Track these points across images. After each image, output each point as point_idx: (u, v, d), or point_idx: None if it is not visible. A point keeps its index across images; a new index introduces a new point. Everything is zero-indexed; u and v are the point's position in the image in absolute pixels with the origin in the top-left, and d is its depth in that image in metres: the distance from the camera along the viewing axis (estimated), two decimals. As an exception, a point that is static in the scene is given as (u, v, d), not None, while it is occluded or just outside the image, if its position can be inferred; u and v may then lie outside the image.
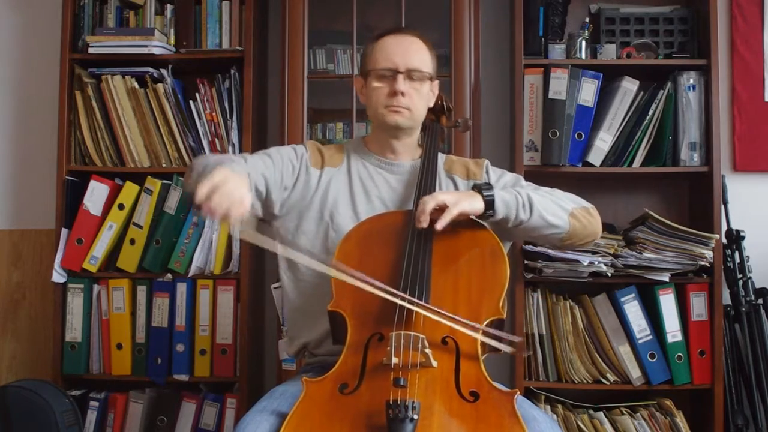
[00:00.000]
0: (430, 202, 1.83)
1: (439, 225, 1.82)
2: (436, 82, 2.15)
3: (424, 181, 2.02)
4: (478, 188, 1.91)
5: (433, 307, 1.74)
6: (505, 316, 1.80)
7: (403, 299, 1.72)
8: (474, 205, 1.87)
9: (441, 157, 2.18)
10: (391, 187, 2.12)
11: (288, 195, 2.09)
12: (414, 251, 1.84)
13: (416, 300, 1.73)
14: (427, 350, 1.65)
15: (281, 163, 2.08)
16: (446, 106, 2.27)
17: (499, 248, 1.89)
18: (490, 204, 1.89)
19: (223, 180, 1.68)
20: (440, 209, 1.83)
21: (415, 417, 1.54)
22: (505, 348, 1.78)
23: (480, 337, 1.74)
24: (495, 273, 1.85)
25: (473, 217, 1.90)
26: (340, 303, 1.82)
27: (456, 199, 1.84)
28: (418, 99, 2.08)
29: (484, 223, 1.94)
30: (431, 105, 2.17)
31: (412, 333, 1.68)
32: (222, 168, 1.72)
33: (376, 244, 1.92)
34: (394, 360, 1.64)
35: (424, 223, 1.83)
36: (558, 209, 1.99)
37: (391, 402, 1.55)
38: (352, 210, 2.08)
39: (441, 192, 1.90)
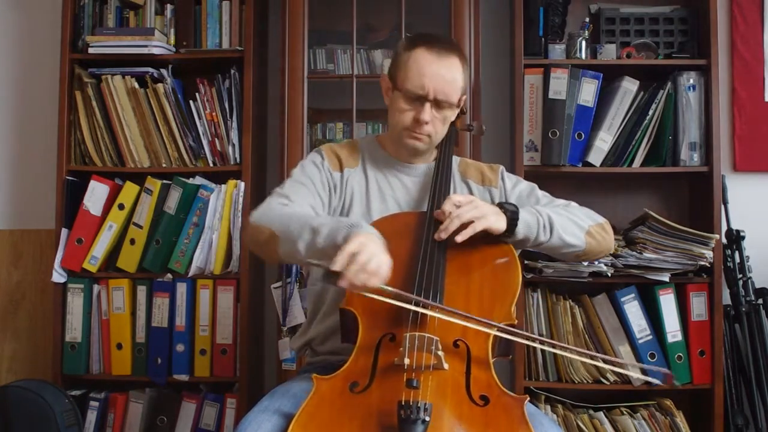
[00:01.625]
0: (455, 221, 1.82)
1: (460, 238, 1.82)
2: (465, 97, 2.11)
3: (439, 184, 2.01)
4: (504, 208, 1.89)
5: (450, 309, 1.73)
6: (516, 321, 1.80)
7: (422, 306, 1.71)
8: (499, 224, 1.86)
9: (455, 160, 2.18)
10: (405, 188, 2.11)
11: (330, 210, 2.08)
12: (428, 255, 1.83)
13: (431, 302, 1.73)
14: (440, 352, 1.65)
15: (314, 187, 2.05)
16: (461, 108, 2.26)
17: (513, 256, 1.89)
18: (512, 227, 1.88)
19: (359, 248, 1.63)
20: (463, 225, 1.82)
21: (427, 419, 1.53)
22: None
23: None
24: (507, 279, 1.85)
25: None
26: (352, 301, 1.81)
27: (482, 213, 1.84)
28: (441, 124, 2.05)
29: None
30: (453, 118, 2.14)
31: (426, 335, 1.67)
32: (359, 234, 1.67)
33: (389, 245, 1.91)
34: (407, 361, 1.63)
35: (444, 237, 1.83)
36: (575, 228, 1.99)
37: (403, 403, 1.55)
38: (366, 208, 2.07)
39: (470, 202, 1.86)
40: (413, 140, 2.05)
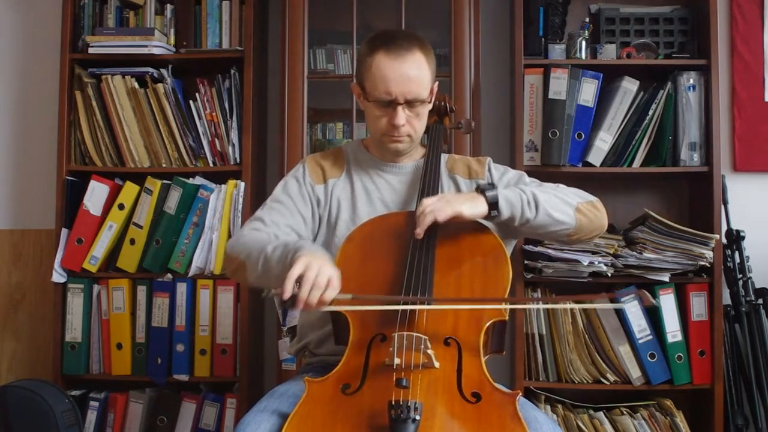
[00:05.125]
0: (428, 217, 1.82)
1: (440, 218, 1.81)
2: (436, 83, 2.12)
3: (426, 182, 2.01)
4: (480, 189, 1.89)
5: (439, 299, 1.74)
6: (507, 317, 1.80)
7: (407, 303, 1.72)
8: (477, 208, 1.85)
9: (443, 157, 2.17)
10: (393, 188, 2.11)
11: (314, 224, 2.11)
12: (417, 253, 1.83)
13: (419, 298, 1.73)
14: (430, 351, 1.65)
15: (294, 205, 2.08)
16: (449, 107, 2.26)
17: (502, 250, 1.89)
18: (493, 205, 1.88)
19: (306, 268, 1.66)
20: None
21: (418, 418, 1.53)
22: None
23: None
24: (497, 275, 1.85)
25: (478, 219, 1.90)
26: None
27: (455, 205, 1.83)
28: (418, 121, 2.05)
29: (487, 225, 1.93)
30: (430, 108, 2.15)
31: (415, 334, 1.67)
32: (302, 256, 1.70)
33: (378, 245, 1.92)
34: (397, 361, 1.64)
35: (420, 233, 1.83)
36: (563, 205, 1.97)
37: (393, 402, 1.55)
38: (352, 213, 2.08)
39: (442, 199, 1.87)
40: (394, 143, 2.06)
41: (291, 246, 1.81)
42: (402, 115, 2.00)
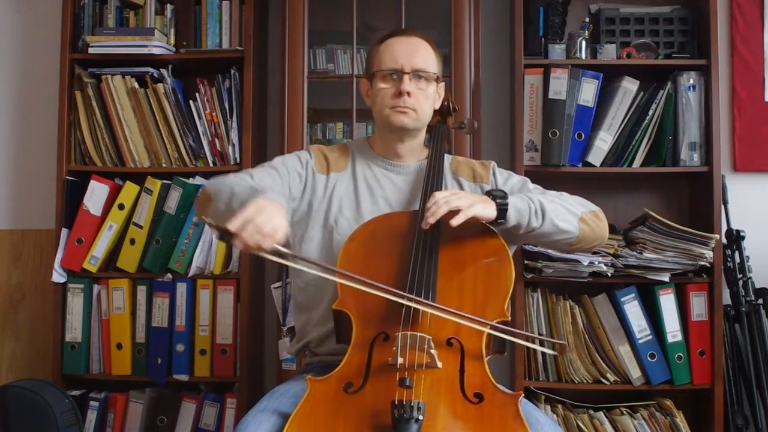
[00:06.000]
0: (443, 207, 1.81)
1: (455, 222, 1.80)
2: (442, 84, 2.14)
3: (430, 182, 2.01)
4: (492, 195, 1.89)
5: (441, 306, 1.73)
6: (509, 318, 1.80)
7: (410, 300, 1.72)
8: (487, 211, 1.85)
9: (447, 158, 2.18)
10: (396, 187, 2.11)
11: (297, 204, 2.09)
12: (420, 253, 1.83)
13: (423, 300, 1.73)
14: (433, 351, 1.65)
15: (288, 175, 2.07)
16: (452, 106, 2.26)
17: (505, 251, 1.88)
18: (502, 213, 1.87)
19: (257, 211, 1.66)
20: (452, 212, 1.81)
21: (421, 417, 1.54)
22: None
23: (488, 330, 1.74)
24: (500, 275, 1.85)
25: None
26: (345, 302, 1.82)
27: (470, 203, 1.82)
28: (424, 100, 2.07)
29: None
30: (437, 107, 2.17)
31: (419, 333, 1.67)
32: (256, 199, 1.70)
33: (381, 244, 1.91)
34: (400, 360, 1.64)
35: (431, 222, 1.81)
36: (568, 215, 1.98)
37: (396, 402, 1.55)
38: (356, 211, 2.07)
39: (455, 193, 1.86)
40: (399, 115, 2.06)
41: (257, 189, 1.82)
42: (409, 83, 2.03)
